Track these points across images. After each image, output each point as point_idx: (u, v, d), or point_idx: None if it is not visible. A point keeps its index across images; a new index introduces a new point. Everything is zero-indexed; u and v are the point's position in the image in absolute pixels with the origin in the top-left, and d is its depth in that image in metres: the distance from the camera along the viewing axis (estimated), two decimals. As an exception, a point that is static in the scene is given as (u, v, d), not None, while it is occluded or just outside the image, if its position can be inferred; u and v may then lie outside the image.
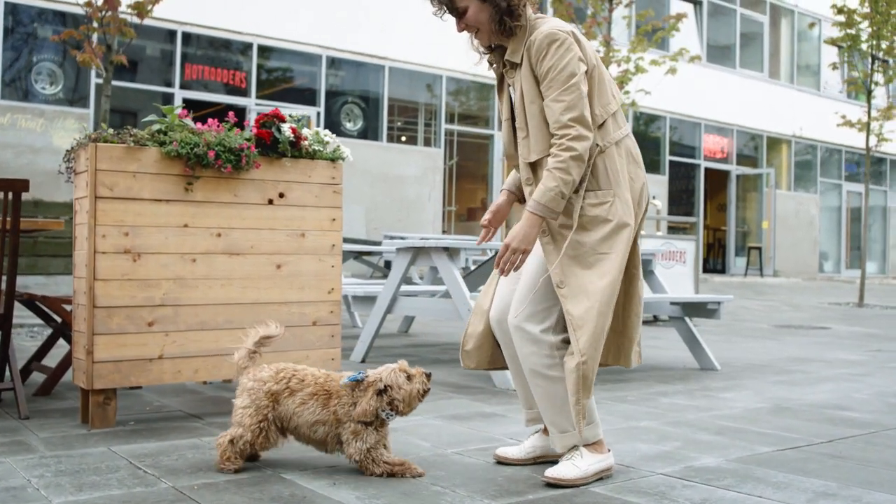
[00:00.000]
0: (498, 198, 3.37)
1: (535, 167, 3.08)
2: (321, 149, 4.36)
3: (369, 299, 6.71)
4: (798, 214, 23.76)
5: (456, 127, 17.55)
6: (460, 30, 3.15)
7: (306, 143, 4.31)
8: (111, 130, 3.87)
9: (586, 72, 3.02)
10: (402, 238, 11.56)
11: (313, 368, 3.21)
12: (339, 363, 4.37)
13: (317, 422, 3.06)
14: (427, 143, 17.20)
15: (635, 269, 3.20)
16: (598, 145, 3.04)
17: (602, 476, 3.09)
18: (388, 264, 11.25)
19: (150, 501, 2.72)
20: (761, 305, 14.50)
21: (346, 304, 8.82)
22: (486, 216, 3.30)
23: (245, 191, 4.12)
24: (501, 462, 3.31)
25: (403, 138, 17.04)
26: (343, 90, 16.14)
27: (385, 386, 3.03)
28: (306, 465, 3.21)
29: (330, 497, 2.81)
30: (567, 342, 3.06)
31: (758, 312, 13.21)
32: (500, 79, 3.25)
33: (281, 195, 4.22)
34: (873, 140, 16.35)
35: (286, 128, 4.21)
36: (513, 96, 3.17)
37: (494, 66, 3.26)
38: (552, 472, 3.01)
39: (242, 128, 4.22)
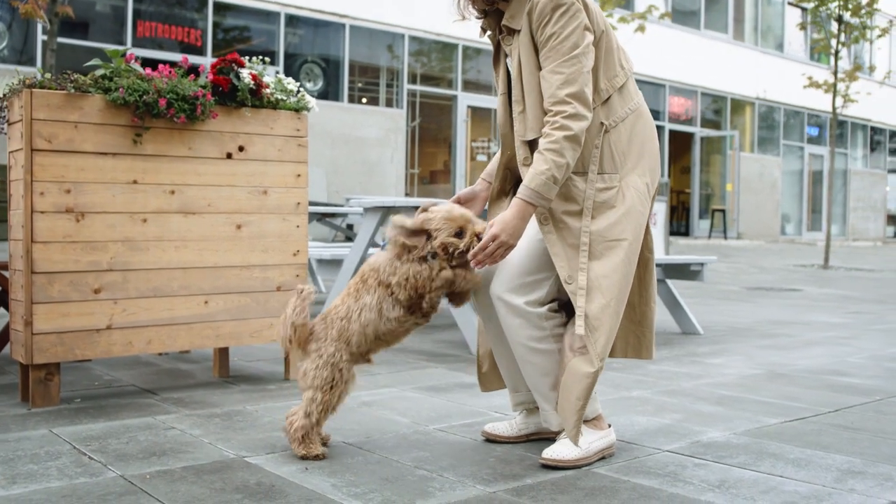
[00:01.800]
0: (474, 185, 3.02)
1: (532, 146, 2.70)
2: (284, 98, 3.98)
3: (335, 263, 6.37)
4: (761, 177, 23.69)
5: (418, 87, 17.10)
6: None
7: (268, 91, 3.92)
8: (49, 75, 3.46)
9: (593, 42, 2.67)
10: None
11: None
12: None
13: (369, 322, 2.70)
14: (389, 103, 16.74)
15: (649, 252, 2.87)
16: (602, 124, 2.69)
17: (604, 455, 2.79)
18: (350, 227, 10.89)
19: (94, 495, 2.35)
20: (728, 268, 14.35)
21: (309, 269, 8.45)
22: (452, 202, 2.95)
23: (201, 143, 3.73)
24: (491, 440, 3.00)
25: (365, 99, 16.56)
26: (302, 49, 15.60)
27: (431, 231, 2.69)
28: (275, 448, 2.86)
29: (302, 485, 2.48)
30: (555, 311, 2.75)
31: (726, 275, 13.05)
32: (497, 47, 2.88)
33: (240, 148, 3.84)
34: (839, 101, 16.22)
35: (246, 74, 3.82)
36: (510, 67, 2.81)
37: (490, 33, 2.89)
38: (550, 453, 2.69)
39: (197, 74, 3.82)
